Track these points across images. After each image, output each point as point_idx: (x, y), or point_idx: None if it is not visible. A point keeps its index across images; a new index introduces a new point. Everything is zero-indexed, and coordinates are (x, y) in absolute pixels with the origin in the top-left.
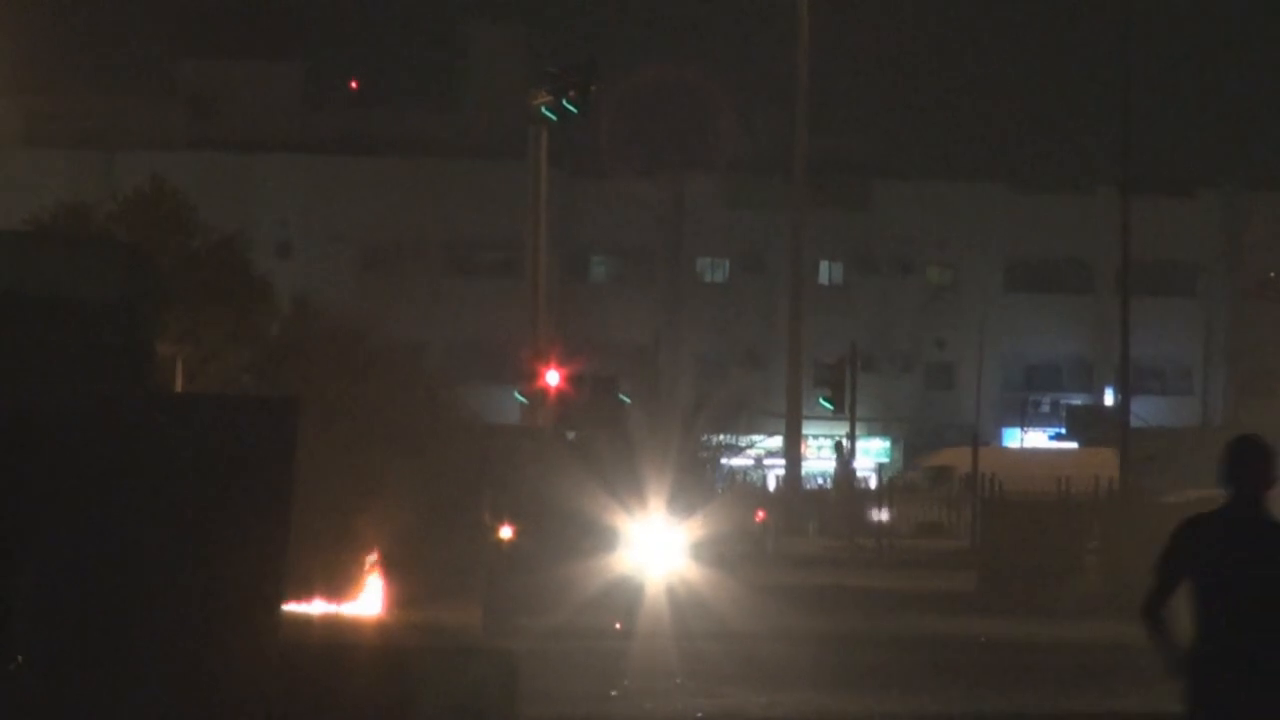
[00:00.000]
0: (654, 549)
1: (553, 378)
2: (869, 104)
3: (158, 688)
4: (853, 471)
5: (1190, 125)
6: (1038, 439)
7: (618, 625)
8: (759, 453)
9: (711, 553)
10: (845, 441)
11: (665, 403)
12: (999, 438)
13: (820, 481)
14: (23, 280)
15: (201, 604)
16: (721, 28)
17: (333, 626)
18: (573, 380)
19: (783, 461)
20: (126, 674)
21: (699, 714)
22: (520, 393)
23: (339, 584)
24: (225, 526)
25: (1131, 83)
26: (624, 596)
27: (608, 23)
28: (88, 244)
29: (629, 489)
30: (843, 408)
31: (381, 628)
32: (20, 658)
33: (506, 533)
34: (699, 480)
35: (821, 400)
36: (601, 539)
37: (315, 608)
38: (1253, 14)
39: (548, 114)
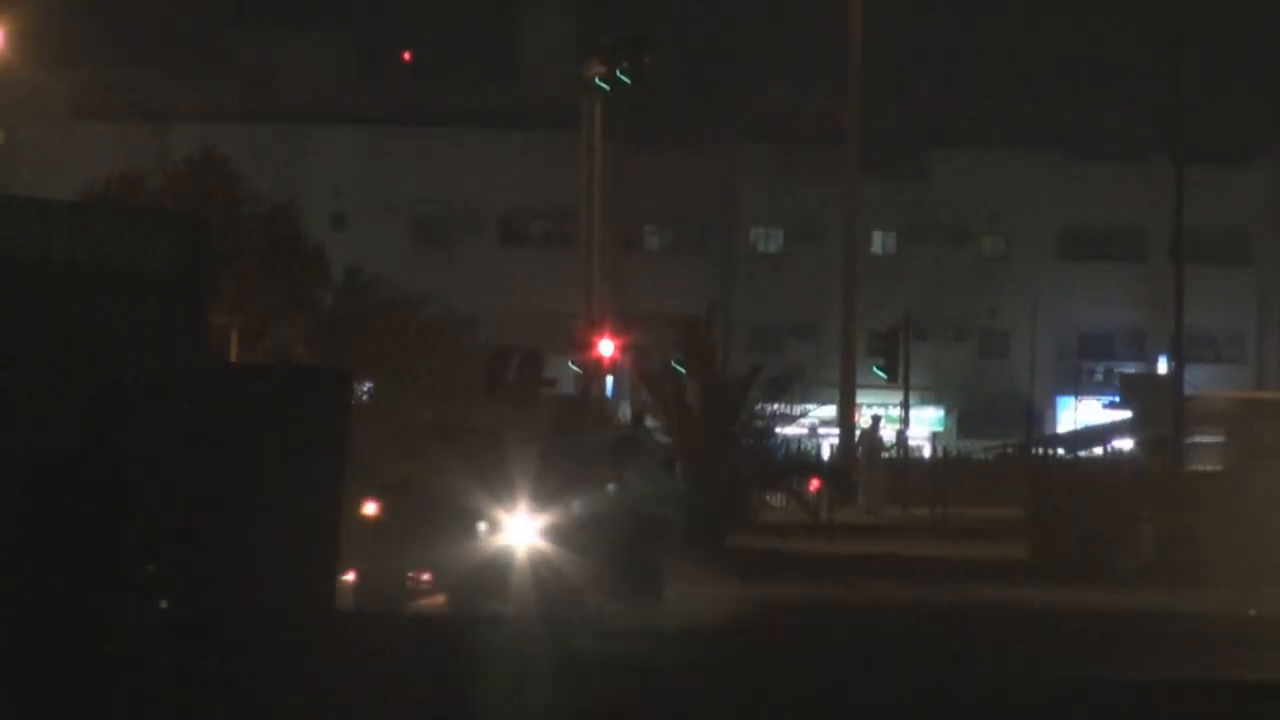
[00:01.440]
0: (520, 531)
1: (606, 348)
2: (922, 73)
3: (225, 640)
4: (880, 441)
5: (1242, 93)
6: (1091, 407)
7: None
8: (813, 421)
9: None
10: (872, 419)
11: (721, 372)
12: (1053, 406)
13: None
14: (78, 251)
15: (261, 565)
16: None
17: None
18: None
19: (837, 430)
20: (201, 624)
21: None
22: (574, 362)
23: None
24: (283, 494)
25: (1183, 52)
26: (492, 577)
27: None
28: (143, 215)
29: (499, 474)
30: (896, 377)
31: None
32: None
33: (370, 508)
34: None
35: (875, 369)
36: (463, 520)
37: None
38: None
39: (601, 85)
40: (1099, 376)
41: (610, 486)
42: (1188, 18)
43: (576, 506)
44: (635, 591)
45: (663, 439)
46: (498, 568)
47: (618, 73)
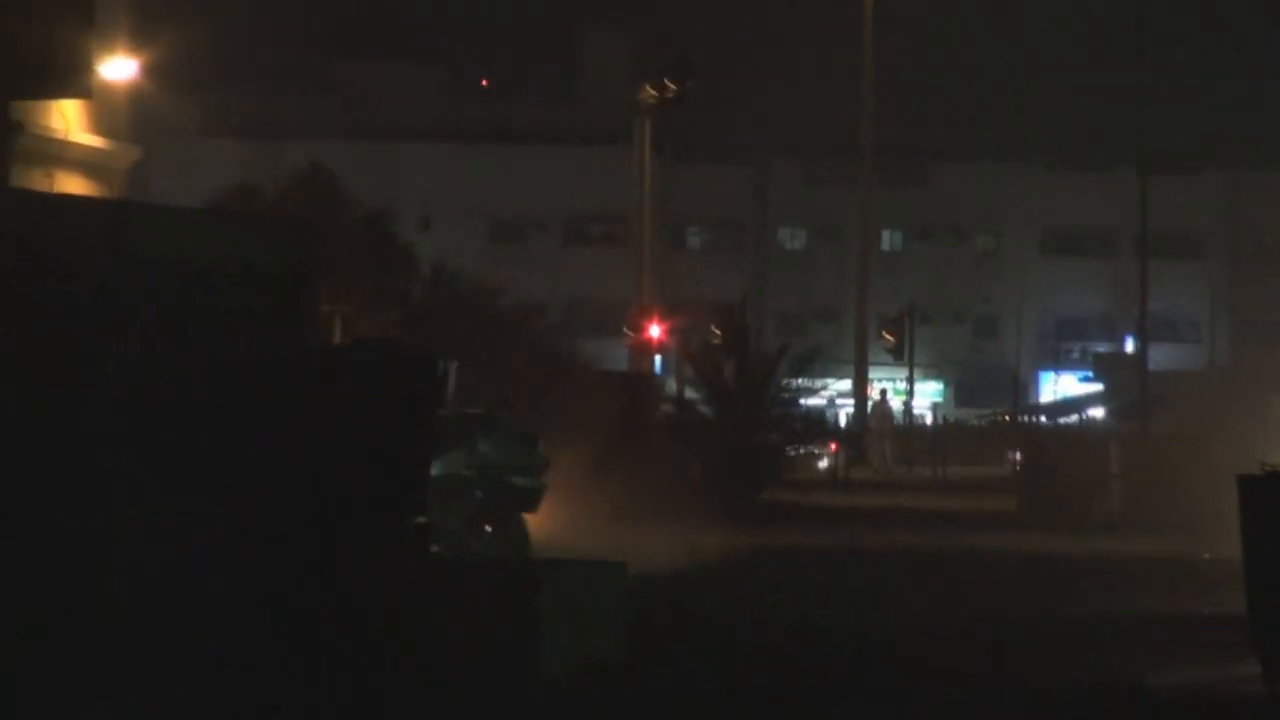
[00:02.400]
0: None
1: (655, 331)
2: (926, 92)
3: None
4: (890, 410)
5: (1197, 112)
6: (1069, 381)
7: None
8: (831, 394)
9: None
10: (880, 391)
11: (753, 352)
12: (1036, 380)
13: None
14: (208, 251)
15: (363, 515)
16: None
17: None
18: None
19: (852, 401)
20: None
21: None
22: (628, 344)
23: None
24: (380, 454)
25: (1148, 78)
26: None
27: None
28: (261, 220)
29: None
30: (903, 355)
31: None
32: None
33: None
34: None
35: (884, 350)
36: None
37: None
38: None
39: (651, 106)
40: (1075, 355)
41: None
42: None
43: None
44: (500, 541)
45: (704, 409)
46: None
47: (665, 96)
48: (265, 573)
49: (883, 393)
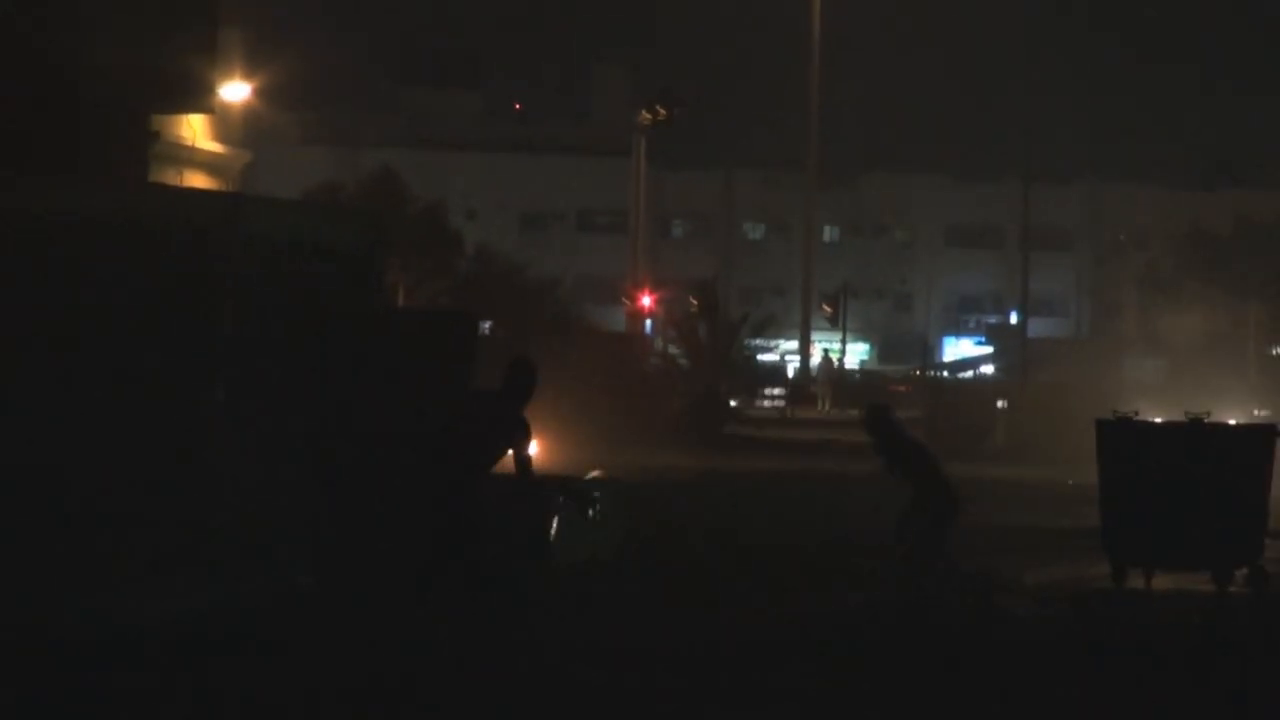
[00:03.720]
0: None
1: (646, 301)
2: (856, 116)
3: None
4: (833, 365)
5: (1069, 133)
6: (966, 345)
7: None
8: (782, 352)
9: None
10: (829, 350)
11: (721, 318)
12: (940, 343)
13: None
14: (302, 234)
15: (419, 441)
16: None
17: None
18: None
19: (798, 357)
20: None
21: None
22: (625, 311)
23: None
24: (434, 388)
25: (1030, 106)
26: None
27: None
28: (341, 210)
29: None
30: (838, 323)
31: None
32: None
33: None
34: None
35: (824, 319)
36: None
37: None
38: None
39: (646, 127)
40: (972, 325)
41: None
42: (1028, 80)
43: None
44: None
45: (682, 362)
46: None
47: (657, 119)
48: (336, 474)
49: (825, 353)
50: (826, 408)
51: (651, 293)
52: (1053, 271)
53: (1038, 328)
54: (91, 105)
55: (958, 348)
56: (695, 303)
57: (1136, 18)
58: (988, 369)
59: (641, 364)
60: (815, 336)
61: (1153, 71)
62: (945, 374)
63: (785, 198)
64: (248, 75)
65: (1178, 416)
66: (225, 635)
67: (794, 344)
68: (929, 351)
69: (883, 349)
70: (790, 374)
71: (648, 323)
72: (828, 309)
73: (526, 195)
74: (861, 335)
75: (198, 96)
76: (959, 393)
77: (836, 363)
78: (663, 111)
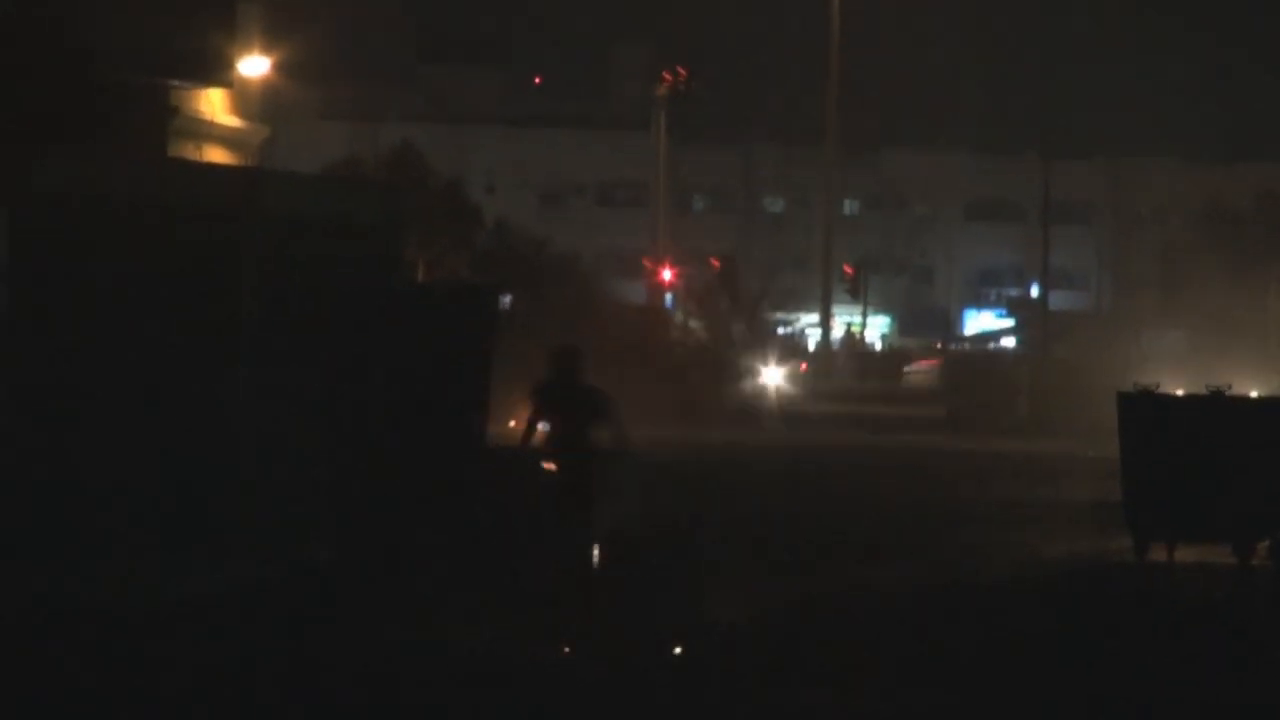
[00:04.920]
0: None
1: (666, 275)
2: (878, 92)
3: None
4: (854, 339)
5: (1088, 109)
6: (987, 317)
7: None
8: (803, 325)
9: None
10: (851, 324)
11: (743, 291)
12: (961, 316)
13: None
14: (322, 209)
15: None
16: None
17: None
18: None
19: (819, 330)
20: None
21: None
22: (645, 285)
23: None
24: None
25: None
26: None
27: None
28: (362, 185)
29: None
30: (858, 296)
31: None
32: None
33: None
34: None
35: (844, 291)
36: None
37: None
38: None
39: (665, 96)
40: (992, 298)
41: None
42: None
43: None
44: None
45: (702, 335)
46: None
47: (675, 93)
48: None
49: (847, 327)
50: (845, 379)
51: (672, 267)
52: (1073, 245)
53: (1058, 300)
54: (110, 81)
55: (979, 320)
56: (715, 264)
57: None
58: (1008, 342)
59: (662, 337)
60: (836, 310)
61: (1173, 44)
62: (966, 346)
63: (805, 172)
64: (267, 50)
65: (1199, 389)
66: (244, 610)
67: (815, 317)
68: (949, 325)
69: (903, 322)
70: (811, 347)
71: (668, 296)
72: (849, 271)
73: (546, 169)
74: (882, 309)
75: (217, 71)
76: (979, 365)
77: (858, 336)
78: (682, 73)
